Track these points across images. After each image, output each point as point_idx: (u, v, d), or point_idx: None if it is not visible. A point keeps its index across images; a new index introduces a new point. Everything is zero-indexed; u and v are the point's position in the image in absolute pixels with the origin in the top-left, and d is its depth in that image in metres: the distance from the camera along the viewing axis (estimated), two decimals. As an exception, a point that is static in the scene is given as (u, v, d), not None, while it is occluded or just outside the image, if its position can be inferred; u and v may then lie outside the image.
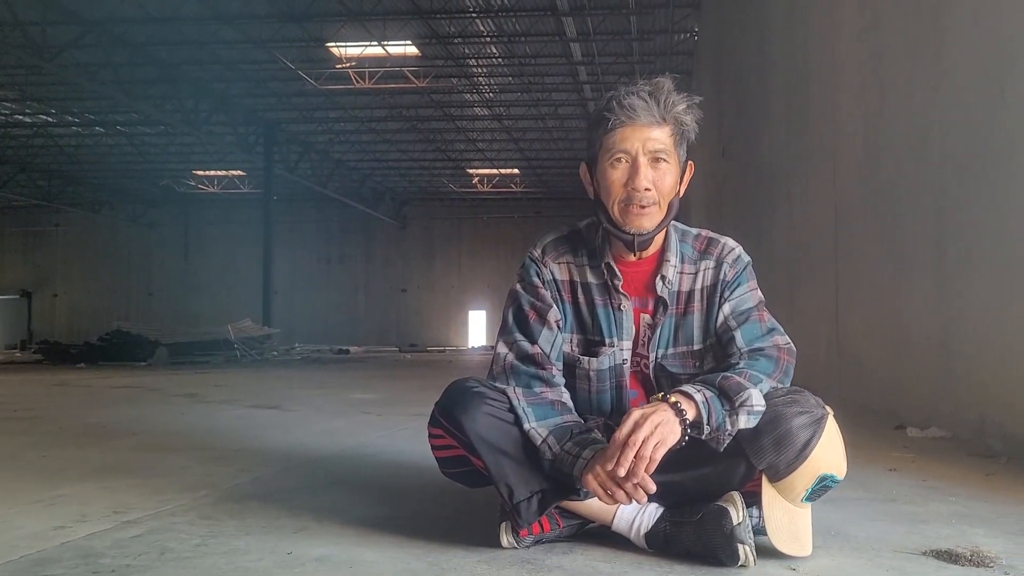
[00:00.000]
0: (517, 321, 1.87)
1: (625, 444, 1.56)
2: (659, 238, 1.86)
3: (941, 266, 3.69)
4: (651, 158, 1.77)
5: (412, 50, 16.91)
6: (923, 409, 3.84)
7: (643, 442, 1.55)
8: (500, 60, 17.91)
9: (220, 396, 6.58)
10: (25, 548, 1.80)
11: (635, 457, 1.54)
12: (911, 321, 4.08)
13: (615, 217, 1.80)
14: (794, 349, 1.83)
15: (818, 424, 1.66)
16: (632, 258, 1.86)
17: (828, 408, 1.70)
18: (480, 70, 18.63)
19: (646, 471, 1.55)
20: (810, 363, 5.89)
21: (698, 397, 1.62)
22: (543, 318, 1.86)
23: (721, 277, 1.86)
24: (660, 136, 1.77)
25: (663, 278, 1.85)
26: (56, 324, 32.15)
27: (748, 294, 1.86)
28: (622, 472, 1.55)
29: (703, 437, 1.63)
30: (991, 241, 3.21)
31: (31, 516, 2.13)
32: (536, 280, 1.89)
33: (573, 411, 1.81)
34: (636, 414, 1.59)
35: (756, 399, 1.65)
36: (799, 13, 6.47)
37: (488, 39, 16.64)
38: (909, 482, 2.57)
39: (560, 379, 1.85)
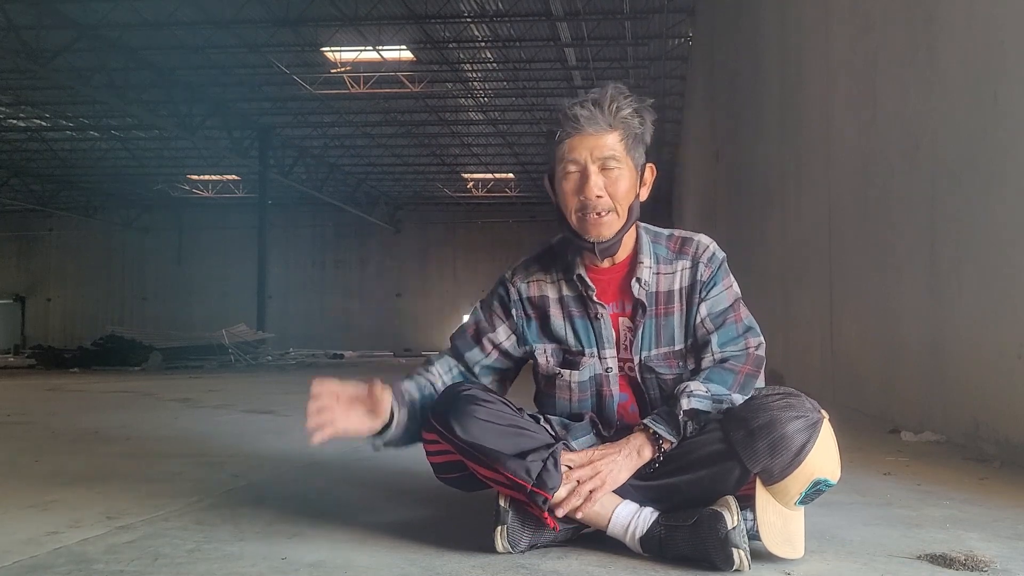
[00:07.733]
0: (462, 329, 2.02)
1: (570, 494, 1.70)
2: (628, 242, 1.90)
3: (934, 271, 3.70)
4: (600, 165, 1.79)
5: (407, 55, 16.91)
6: (917, 413, 3.84)
7: (587, 494, 1.69)
8: (495, 65, 17.92)
9: (214, 401, 6.55)
10: (18, 553, 1.80)
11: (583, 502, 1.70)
12: (904, 326, 4.08)
13: (575, 227, 1.83)
14: (762, 356, 1.88)
15: (813, 429, 1.66)
16: (604, 264, 1.89)
17: (824, 412, 1.71)
18: (475, 75, 18.64)
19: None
20: (804, 368, 5.91)
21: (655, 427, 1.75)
22: (479, 337, 1.97)
23: (698, 277, 1.89)
24: (609, 142, 1.80)
25: (638, 280, 1.87)
26: (50, 329, 32.02)
27: (724, 293, 1.90)
28: (561, 513, 1.70)
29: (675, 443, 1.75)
30: (983, 247, 3.22)
31: (24, 521, 2.12)
32: (494, 302, 2.00)
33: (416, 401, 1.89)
34: (587, 470, 1.71)
35: (695, 387, 1.75)
36: (791, 19, 6.50)
37: (483, 44, 16.65)
38: (903, 486, 2.57)
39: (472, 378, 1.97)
